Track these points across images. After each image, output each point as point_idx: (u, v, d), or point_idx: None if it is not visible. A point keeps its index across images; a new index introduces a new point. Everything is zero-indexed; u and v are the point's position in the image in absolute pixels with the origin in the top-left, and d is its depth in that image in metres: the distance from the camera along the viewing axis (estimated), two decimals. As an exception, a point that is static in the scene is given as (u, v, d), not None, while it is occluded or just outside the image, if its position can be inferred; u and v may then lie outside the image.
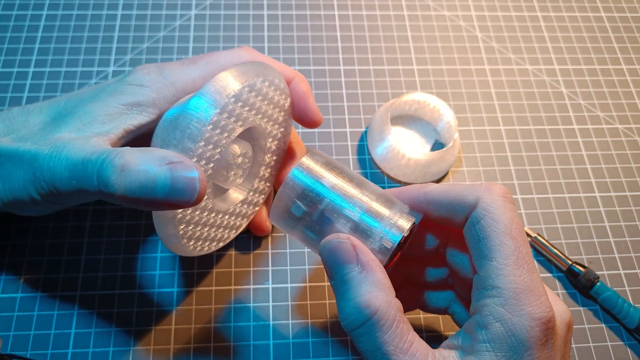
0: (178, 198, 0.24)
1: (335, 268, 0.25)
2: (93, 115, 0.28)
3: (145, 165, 0.23)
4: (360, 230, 0.26)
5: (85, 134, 0.27)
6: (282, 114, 0.32)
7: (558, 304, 0.25)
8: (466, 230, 0.26)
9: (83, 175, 0.25)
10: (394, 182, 0.40)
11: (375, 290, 0.24)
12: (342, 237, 0.25)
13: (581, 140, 0.43)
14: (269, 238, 0.37)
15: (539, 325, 0.23)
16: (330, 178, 0.26)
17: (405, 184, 0.40)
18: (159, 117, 0.29)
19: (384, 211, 0.26)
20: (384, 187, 0.40)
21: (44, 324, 0.33)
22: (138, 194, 0.23)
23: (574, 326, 0.36)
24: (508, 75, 0.46)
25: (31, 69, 0.43)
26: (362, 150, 0.41)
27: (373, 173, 0.40)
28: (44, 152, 0.26)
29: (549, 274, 0.37)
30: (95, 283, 0.35)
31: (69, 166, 0.25)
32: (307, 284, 0.36)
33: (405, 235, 0.26)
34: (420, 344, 0.23)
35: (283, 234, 0.37)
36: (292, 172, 0.26)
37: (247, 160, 0.31)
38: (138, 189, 0.23)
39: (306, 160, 0.27)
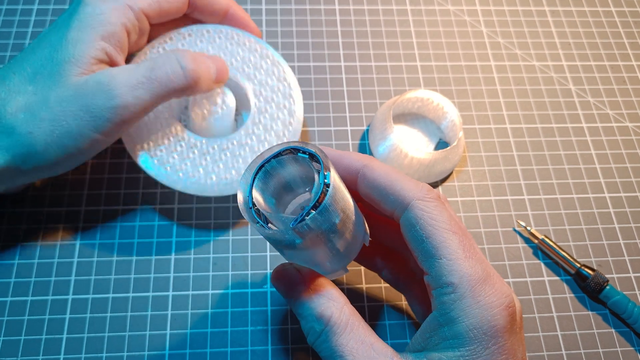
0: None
1: (285, 294, 0.28)
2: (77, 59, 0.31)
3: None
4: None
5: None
6: None
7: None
8: (406, 231, 0.26)
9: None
10: (397, 182, 0.40)
11: (326, 300, 0.26)
12: (284, 266, 0.28)
13: (590, 139, 0.43)
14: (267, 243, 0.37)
15: (500, 313, 0.24)
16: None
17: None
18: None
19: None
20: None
21: (35, 329, 0.33)
22: None
23: (582, 331, 0.36)
24: (514, 72, 0.46)
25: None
26: (364, 149, 0.41)
27: (375, 173, 0.40)
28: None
29: (557, 277, 0.37)
30: (87, 287, 0.34)
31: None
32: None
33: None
34: (380, 346, 0.25)
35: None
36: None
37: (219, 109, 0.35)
38: None
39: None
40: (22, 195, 0.37)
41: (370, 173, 0.27)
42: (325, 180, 0.24)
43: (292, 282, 0.27)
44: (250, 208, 0.24)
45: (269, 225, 0.24)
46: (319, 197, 0.23)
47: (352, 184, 0.28)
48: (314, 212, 0.23)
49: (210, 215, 0.37)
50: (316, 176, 0.24)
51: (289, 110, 0.37)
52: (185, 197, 0.38)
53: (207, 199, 0.38)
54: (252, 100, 0.37)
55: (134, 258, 0.36)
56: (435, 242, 0.25)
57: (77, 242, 0.36)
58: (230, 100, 0.36)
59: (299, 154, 0.25)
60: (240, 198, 0.24)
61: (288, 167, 0.26)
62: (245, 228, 0.37)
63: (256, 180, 0.25)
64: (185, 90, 0.33)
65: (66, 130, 0.30)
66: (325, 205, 0.23)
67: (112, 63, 0.32)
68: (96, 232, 0.36)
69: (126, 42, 0.33)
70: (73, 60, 0.31)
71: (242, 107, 0.39)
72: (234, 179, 0.34)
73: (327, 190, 0.23)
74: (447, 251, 0.24)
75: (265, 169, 0.25)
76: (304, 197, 0.28)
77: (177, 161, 0.34)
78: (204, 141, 0.35)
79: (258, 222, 0.24)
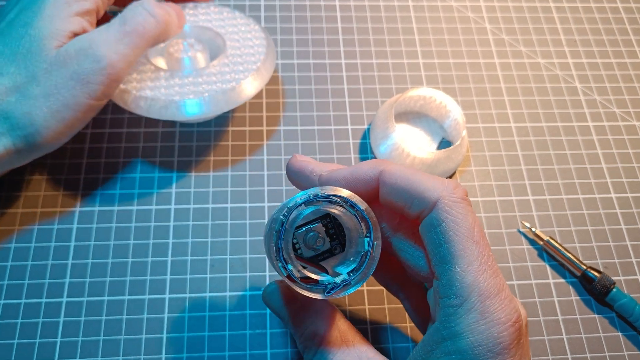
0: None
1: (278, 313, 0.28)
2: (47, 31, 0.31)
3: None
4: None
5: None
6: None
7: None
8: (424, 231, 0.25)
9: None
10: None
11: (318, 320, 0.27)
12: (276, 285, 0.28)
13: (596, 138, 0.43)
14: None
15: (507, 329, 0.23)
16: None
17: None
18: None
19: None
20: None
21: (29, 333, 0.33)
22: None
23: (588, 335, 0.35)
24: (519, 70, 0.46)
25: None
26: (365, 148, 0.41)
27: (376, 173, 0.40)
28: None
29: (562, 280, 0.37)
30: (82, 289, 0.34)
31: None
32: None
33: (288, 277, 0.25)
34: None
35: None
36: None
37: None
38: None
39: None
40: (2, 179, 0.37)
41: (388, 178, 0.25)
42: (373, 252, 0.23)
43: (286, 300, 0.27)
44: (281, 261, 0.23)
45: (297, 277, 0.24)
46: (363, 270, 0.23)
47: (373, 196, 0.26)
48: (352, 285, 0.24)
49: (208, 216, 0.37)
50: (365, 243, 0.24)
51: (259, 47, 0.39)
52: (181, 198, 0.38)
53: (204, 213, 0.38)
54: (227, 44, 0.39)
55: (129, 260, 0.35)
56: (453, 249, 0.24)
57: (71, 244, 0.36)
58: (199, 43, 0.39)
59: (349, 209, 0.24)
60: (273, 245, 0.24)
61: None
62: (242, 229, 0.37)
63: (291, 229, 0.24)
64: (159, 36, 0.34)
65: (62, 103, 0.31)
66: (366, 278, 0.23)
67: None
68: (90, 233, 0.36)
69: (98, 16, 0.35)
70: (51, 35, 0.31)
71: (215, 57, 0.40)
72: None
73: (372, 262, 0.23)
74: (463, 261, 0.23)
75: (302, 215, 0.24)
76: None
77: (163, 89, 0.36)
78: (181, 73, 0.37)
79: (292, 277, 0.24)
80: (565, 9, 0.49)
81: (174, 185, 0.38)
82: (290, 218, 0.23)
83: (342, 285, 0.23)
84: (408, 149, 0.38)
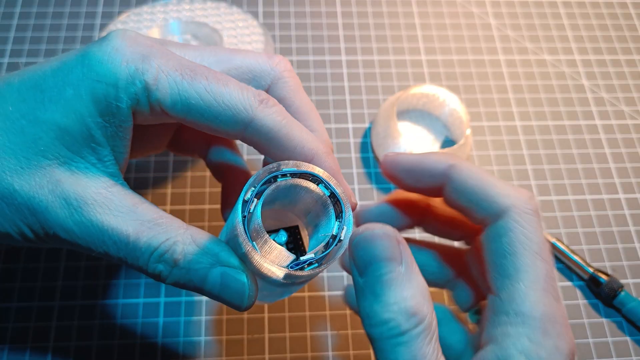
0: (228, 300, 0.24)
1: (373, 264, 0.22)
2: (70, 136, 0.24)
3: (196, 264, 0.24)
4: None
5: (85, 173, 0.24)
6: None
7: None
8: (488, 239, 0.24)
9: (126, 253, 0.24)
10: (401, 183, 0.39)
11: (421, 296, 0.22)
12: (386, 229, 0.22)
13: (604, 137, 0.43)
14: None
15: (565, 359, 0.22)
16: None
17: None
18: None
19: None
20: (389, 188, 0.39)
21: None
22: (188, 285, 0.24)
23: (596, 339, 0.35)
24: (524, 67, 0.45)
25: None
26: (366, 148, 0.41)
27: (377, 173, 0.40)
28: (49, 203, 0.24)
29: (569, 283, 0.37)
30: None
31: (99, 235, 0.24)
32: (306, 294, 0.35)
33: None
34: None
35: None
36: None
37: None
38: (188, 282, 0.24)
39: None
40: None
41: (458, 175, 0.24)
42: (342, 238, 0.23)
43: (389, 254, 0.22)
44: (246, 228, 0.22)
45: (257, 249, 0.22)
46: (328, 252, 0.22)
47: (435, 190, 0.25)
48: (315, 264, 0.22)
49: (205, 217, 0.37)
50: (334, 227, 0.23)
51: (257, 43, 0.39)
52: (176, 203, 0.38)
53: (200, 215, 0.38)
54: (224, 40, 0.38)
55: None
56: (519, 263, 0.23)
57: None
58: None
59: (323, 189, 0.23)
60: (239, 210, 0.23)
61: (299, 194, 0.24)
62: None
63: (260, 202, 0.23)
64: None
65: None
66: (330, 261, 0.22)
67: None
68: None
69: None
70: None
71: None
72: None
73: (338, 248, 0.23)
74: (529, 278, 0.22)
75: (273, 190, 0.23)
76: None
77: None
78: None
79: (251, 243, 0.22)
80: (572, 4, 0.49)
81: (169, 186, 0.38)
82: (262, 191, 0.22)
83: (306, 262, 0.22)
84: (410, 148, 0.38)
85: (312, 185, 0.23)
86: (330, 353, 0.33)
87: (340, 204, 0.23)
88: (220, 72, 0.24)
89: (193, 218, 0.37)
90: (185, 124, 0.24)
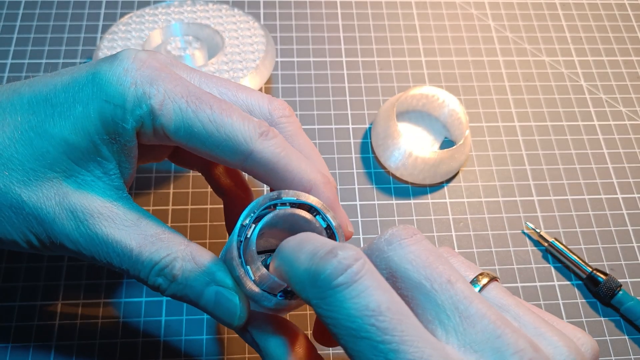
0: (220, 317, 0.24)
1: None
2: (78, 151, 0.24)
3: (193, 282, 0.24)
4: None
5: (90, 189, 0.25)
6: None
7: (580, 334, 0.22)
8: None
9: (128, 266, 0.25)
10: (400, 183, 0.40)
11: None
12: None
13: (602, 137, 0.43)
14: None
15: None
16: None
17: (413, 184, 0.40)
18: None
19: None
20: (389, 188, 0.39)
21: None
22: (185, 299, 0.25)
23: (595, 338, 0.35)
24: (523, 68, 0.46)
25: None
26: (366, 148, 0.41)
27: (377, 173, 0.40)
28: (56, 215, 0.24)
29: (567, 282, 0.37)
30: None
31: (104, 247, 0.25)
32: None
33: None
34: None
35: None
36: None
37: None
38: (184, 296, 0.25)
39: None
40: None
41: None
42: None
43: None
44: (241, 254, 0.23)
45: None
46: None
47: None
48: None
49: (206, 217, 0.37)
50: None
51: (258, 45, 0.39)
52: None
53: (202, 214, 0.38)
54: (225, 42, 0.39)
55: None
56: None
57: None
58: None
59: (320, 220, 0.24)
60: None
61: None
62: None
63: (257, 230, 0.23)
64: None
65: None
66: None
67: None
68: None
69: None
70: None
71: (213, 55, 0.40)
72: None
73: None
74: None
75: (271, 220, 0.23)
76: None
77: None
78: None
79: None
80: (571, 6, 0.50)
81: (171, 186, 0.38)
82: (260, 218, 0.23)
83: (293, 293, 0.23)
84: (410, 148, 0.38)
85: (309, 216, 0.24)
86: (330, 351, 0.34)
87: (335, 237, 0.24)
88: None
89: (194, 218, 0.37)
90: (186, 149, 0.25)
